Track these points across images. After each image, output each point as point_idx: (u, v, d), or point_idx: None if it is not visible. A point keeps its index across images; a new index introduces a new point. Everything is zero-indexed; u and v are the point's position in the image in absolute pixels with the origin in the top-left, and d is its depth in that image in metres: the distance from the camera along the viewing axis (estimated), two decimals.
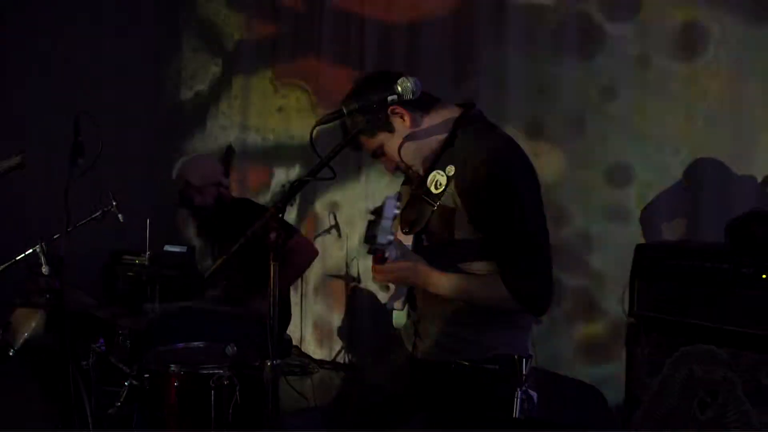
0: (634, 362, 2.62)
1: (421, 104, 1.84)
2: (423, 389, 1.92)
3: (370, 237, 1.68)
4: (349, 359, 4.97)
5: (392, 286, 1.93)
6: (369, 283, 4.92)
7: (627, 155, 3.49)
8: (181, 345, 2.85)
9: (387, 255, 1.74)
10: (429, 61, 4.33)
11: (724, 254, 2.41)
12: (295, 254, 3.21)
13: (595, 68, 3.59)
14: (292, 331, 4.37)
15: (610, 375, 3.39)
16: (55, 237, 3.01)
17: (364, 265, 4.99)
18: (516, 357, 1.74)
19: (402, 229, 1.90)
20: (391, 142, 1.89)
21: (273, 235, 1.54)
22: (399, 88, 1.71)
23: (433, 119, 1.89)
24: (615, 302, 3.35)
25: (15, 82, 5.27)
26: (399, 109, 1.83)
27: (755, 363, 2.25)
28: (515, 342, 1.87)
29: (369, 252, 1.74)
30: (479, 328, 1.85)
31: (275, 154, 5.50)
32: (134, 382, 2.54)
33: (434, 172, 1.85)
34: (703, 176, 3.17)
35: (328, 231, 4.95)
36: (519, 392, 1.72)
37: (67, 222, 2.39)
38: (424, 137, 1.89)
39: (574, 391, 3.51)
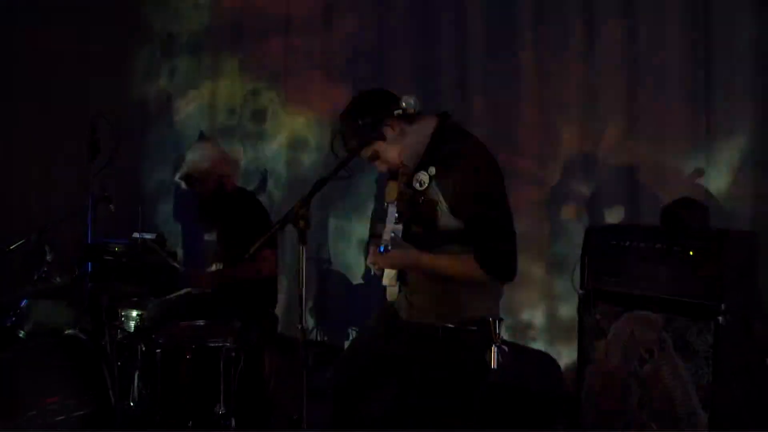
0: (585, 327, 2.99)
1: (407, 116, 2.19)
2: (415, 349, 2.29)
3: (377, 236, 2.03)
4: (321, 337, 5.30)
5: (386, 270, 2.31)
6: (339, 266, 5.26)
7: None
8: (185, 323, 3.16)
9: (387, 248, 2.10)
10: None
11: (658, 234, 2.79)
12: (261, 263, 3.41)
13: None
14: None
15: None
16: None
17: (334, 249, 5.32)
18: (491, 320, 2.15)
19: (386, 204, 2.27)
20: (383, 149, 2.25)
21: (302, 224, 1.88)
22: (404, 104, 2.06)
23: (415, 128, 2.25)
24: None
25: None
26: (391, 121, 2.19)
27: (684, 325, 2.62)
28: (489, 308, 2.26)
29: (377, 246, 2.11)
30: (460, 298, 2.23)
31: None
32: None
33: (419, 172, 2.22)
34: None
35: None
36: (495, 347, 2.12)
37: (89, 214, 2.67)
38: (410, 143, 2.25)
39: (534, 357, 3.94)
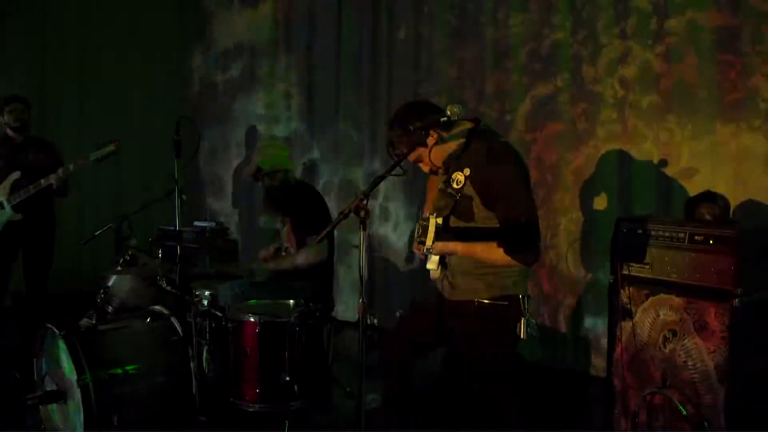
0: (614, 310, 3.27)
1: (448, 123, 2.52)
2: (454, 322, 2.63)
3: (420, 242, 2.37)
4: (371, 320, 5.66)
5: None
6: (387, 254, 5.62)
7: None
8: (253, 303, 3.54)
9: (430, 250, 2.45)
10: None
11: (681, 225, 3.04)
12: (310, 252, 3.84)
13: None
14: None
15: None
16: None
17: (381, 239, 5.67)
18: (520, 296, 2.49)
19: (433, 214, 2.59)
20: (425, 154, 2.58)
21: (363, 214, 2.22)
22: (449, 112, 2.39)
23: (453, 132, 2.58)
24: None
25: None
26: (431, 130, 2.53)
27: (703, 307, 2.89)
28: (519, 286, 2.58)
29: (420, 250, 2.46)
30: (493, 278, 2.56)
31: None
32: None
33: (455, 173, 2.55)
34: None
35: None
36: (523, 320, 2.46)
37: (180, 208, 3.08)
38: (447, 146, 2.58)
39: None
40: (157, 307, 3.42)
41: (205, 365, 3.39)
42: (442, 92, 5.01)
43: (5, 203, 4.33)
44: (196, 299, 3.28)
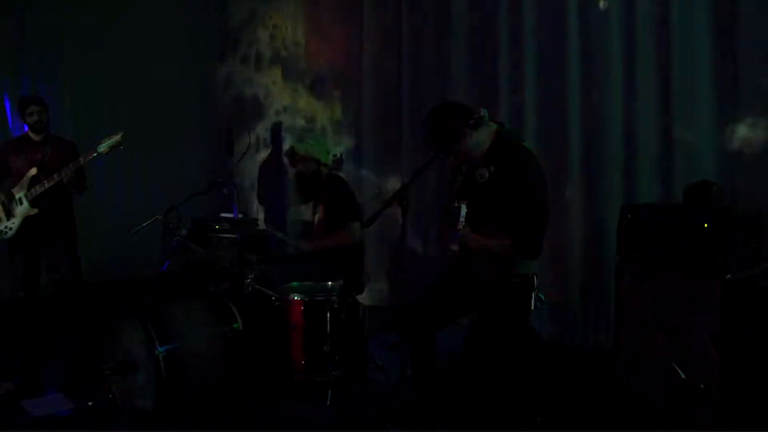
0: (621, 285, 3.61)
1: (477, 124, 2.90)
2: (475, 296, 3.03)
3: (452, 225, 2.73)
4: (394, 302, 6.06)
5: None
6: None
7: None
8: (296, 283, 3.95)
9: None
10: None
11: (679, 210, 3.40)
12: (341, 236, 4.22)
13: None
14: None
15: None
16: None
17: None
18: (530, 274, 2.88)
19: (457, 202, 2.97)
20: (456, 149, 2.96)
21: (405, 203, 2.61)
22: (476, 116, 2.77)
23: (480, 133, 2.95)
24: None
25: None
26: (465, 128, 2.91)
27: (699, 282, 3.24)
28: (528, 266, 2.98)
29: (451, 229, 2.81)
30: (507, 261, 2.95)
31: None
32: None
33: (480, 168, 2.93)
34: None
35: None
36: (534, 294, 2.86)
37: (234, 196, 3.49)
38: (475, 144, 2.96)
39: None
40: (212, 289, 3.83)
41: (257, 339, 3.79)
42: None
43: (23, 199, 4.52)
44: (248, 280, 3.66)
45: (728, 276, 3.16)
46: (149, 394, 3.36)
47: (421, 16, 5.82)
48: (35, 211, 4.45)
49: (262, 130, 7.35)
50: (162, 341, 3.32)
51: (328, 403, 3.67)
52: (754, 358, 3.31)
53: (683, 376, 3.30)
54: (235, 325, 3.65)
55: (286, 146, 4.80)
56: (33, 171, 4.51)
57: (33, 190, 4.49)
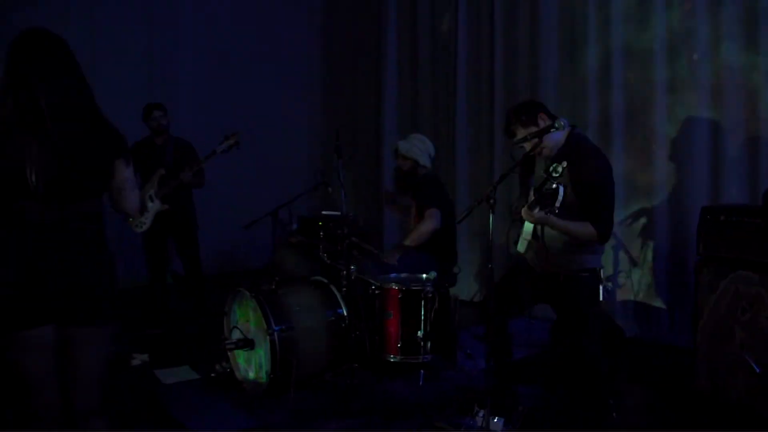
0: (700, 284, 3.81)
1: (557, 123, 3.21)
2: (542, 290, 3.31)
3: (550, 205, 2.97)
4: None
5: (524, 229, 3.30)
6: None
7: None
8: (393, 275, 4.35)
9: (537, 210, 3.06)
10: None
11: (757, 212, 3.56)
12: (425, 221, 4.58)
13: None
14: None
15: None
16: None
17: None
18: (597, 269, 3.15)
19: (534, 195, 3.25)
20: (534, 141, 3.28)
21: (491, 202, 2.95)
22: (556, 124, 3.09)
23: (556, 129, 3.23)
24: None
25: None
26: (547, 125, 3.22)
27: None
28: (595, 261, 3.25)
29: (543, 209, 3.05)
30: (576, 254, 3.22)
31: None
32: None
33: (555, 163, 3.20)
34: None
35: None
36: (601, 287, 3.13)
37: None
38: (553, 141, 3.26)
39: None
40: (318, 277, 4.28)
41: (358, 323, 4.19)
42: None
43: (154, 196, 4.93)
44: (352, 270, 4.08)
45: None
46: (264, 367, 3.82)
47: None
48: (166, 207, 5.00)
49: None
50: (277, 321, 3.78)
51: (420, 383, 4.05)
52: None
53: (758, 371, 3.47)
54: (339, 310, 4.08)
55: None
56: (161, 171, 5.03)
57: (162, 188, 5.01)
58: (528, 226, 3.32)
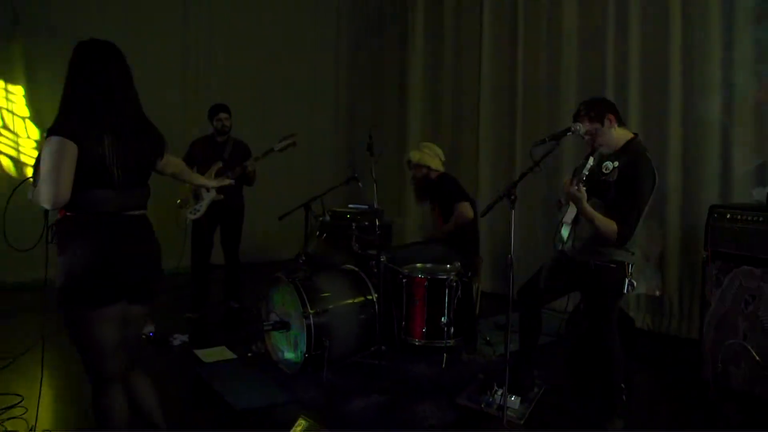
0: (706, 278, 4.09)
1: (619, 122, 3.49)
2: (572, 277, 3.59)
3: (578, 174, 3.21)
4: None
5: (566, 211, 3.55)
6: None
7: None
8: (420, 265, 4.65)
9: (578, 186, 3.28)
10: None
11: (760, 211, 3.83)
12: (461, 213, 4.90)
13: None
14: None
15: None
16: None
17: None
18: (625, 263, 3.40)
19: (575, 182, 3.47)
20: (598, 133, 3.48)
21: (513, 197, 3.24)
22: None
23: (618, 132, 3.47)
24: None
25: None
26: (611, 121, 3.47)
27: None
28: (625, 255, 3.47)
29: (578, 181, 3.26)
30: (607, 247, 3.45)
31: None
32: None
33: (607, 162, 3.45)
34: None
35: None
36: (627, 280, 3.38)
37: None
38: (611, 139, 3.47)
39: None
40: (349, 266, 4.60)
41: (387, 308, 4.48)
42: None
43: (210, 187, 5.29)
44: (382, 259, 4.38)
45: None
46: (299, 347, 4.14)
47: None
48: (221, 197, 5.35)
49: None
50: (312, 305, 4.10)
51: (443, 365, 4.35)
52: None
53: (758, 359, 3.74)
54: (369, 296, 4.39)
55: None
56: (219, 164, 5.42)
57: (218, 180, 5.35)
58: (571, 211, 3.53)
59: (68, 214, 2.55)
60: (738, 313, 3.91)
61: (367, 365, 4.31)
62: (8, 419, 3.51)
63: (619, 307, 3.63)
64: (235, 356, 4.63)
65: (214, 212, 5.52)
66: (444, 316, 4.30)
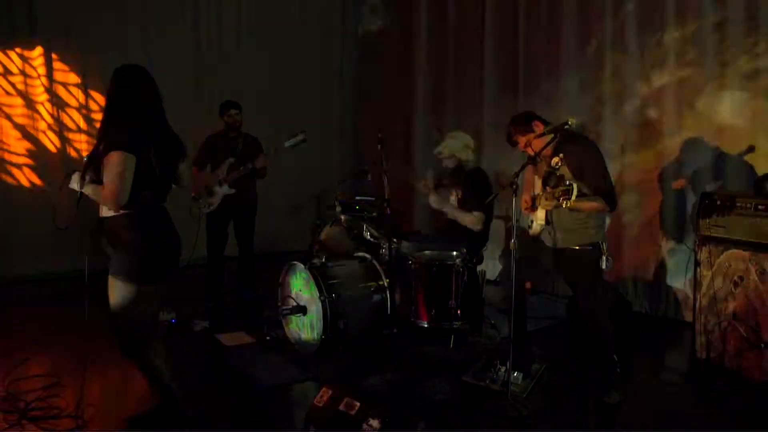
0: (699, 262, 4.32)
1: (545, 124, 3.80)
2: (559, 261, 3.89)
3: (564, 195, 3.51)
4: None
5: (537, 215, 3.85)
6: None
7: None
8: (428, 252, 4.90)
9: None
10: None
11: (747, 197, 4.07)
12: (473, 219, 5.04)
13: None
14: None
15: None
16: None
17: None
18: (600, 242, 3.68)
19: (544, 188, 3.79)
20: (530, 142, 3.85)
21: (515, 187, 3.50)
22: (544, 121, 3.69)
23: (547, 131, 3.77)
24: None
25: None
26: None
27: (764, 259, 3.91)
28: (598, 235, 3.78)
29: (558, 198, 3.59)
30: (582, 230, 3.75)
31: None
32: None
33: (553, 158, 3.73)
34: None
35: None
36: (604, 258, 3.66)
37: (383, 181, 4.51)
38: (543, 139, 3.79)
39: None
40: (361, 253, 4.86)
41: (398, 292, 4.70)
42: None
43: (223, 181, 5.61)
44: (392, 247, 4.63)
45: None
46: (315, 330, 4.41)
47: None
48: (233, 191, 5.60)
49: None
50: (328, 290, 4.36)
51: (450, 346, 4.61)
52: None
53: (745, 336, 3.99)
54: (380, 282, 4.66)
55: None
56: (231, 159, 5.66)
57: (230, 175, 5.62)
58: (540, 213, 3.86)
59: (123, 211, 3.07)
60: (728, 294, 4.16)
61: (379, 346, 4.57)
62: (47, 397, 3.77)
63: (609, 290, 3.93)
64: (253, 340, 4.90)
65: (228, 206, 5.76)
66: (451, 300, 4.54)
